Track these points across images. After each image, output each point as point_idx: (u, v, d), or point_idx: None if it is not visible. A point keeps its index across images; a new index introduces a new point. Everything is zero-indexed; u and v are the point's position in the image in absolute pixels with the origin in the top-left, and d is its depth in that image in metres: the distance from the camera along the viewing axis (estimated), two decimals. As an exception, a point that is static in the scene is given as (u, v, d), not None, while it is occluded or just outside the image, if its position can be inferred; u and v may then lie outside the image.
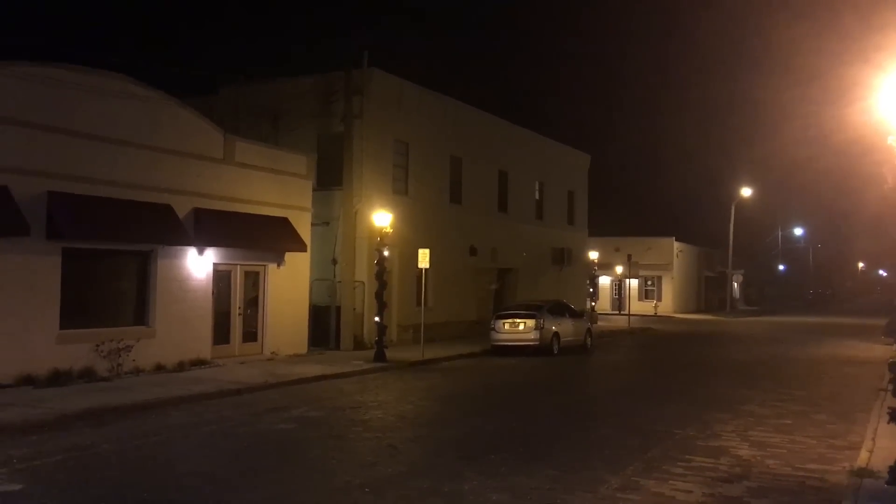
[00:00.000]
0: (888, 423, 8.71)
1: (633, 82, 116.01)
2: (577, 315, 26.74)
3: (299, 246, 20.97)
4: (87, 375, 15.41)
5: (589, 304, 37.68)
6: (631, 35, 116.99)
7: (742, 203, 56.50)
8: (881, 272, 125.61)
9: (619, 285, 54.81)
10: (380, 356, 20.07)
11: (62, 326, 15.40)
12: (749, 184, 56.46)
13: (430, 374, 19.13)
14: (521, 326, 23.78)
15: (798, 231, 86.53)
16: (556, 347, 24.02)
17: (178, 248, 17.82)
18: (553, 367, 21.24)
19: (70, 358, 15.30)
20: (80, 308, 15.86)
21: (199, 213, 18.28)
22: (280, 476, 8.75)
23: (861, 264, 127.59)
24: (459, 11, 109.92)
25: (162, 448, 10.36)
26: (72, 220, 15.26)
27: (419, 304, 23.39)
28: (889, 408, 8.30)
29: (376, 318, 20.74)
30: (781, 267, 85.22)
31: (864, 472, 8.62)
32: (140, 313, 17.32)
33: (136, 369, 16.47)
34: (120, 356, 16.12)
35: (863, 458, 9.42)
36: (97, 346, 15.81)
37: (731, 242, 55.83)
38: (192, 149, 18.38)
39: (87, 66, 16.43)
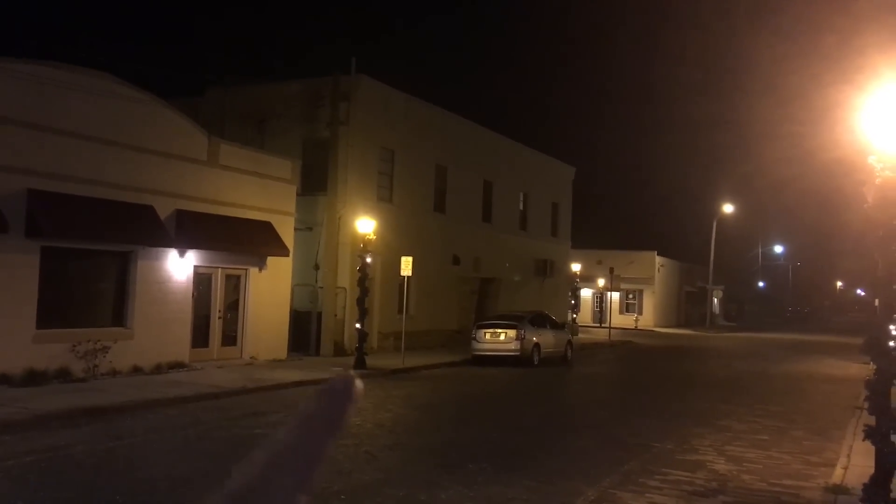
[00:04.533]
0: (863, 440, 8.76)
1: (618, 99, 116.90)
2: (558, 326, 26.77)
3: (282, 250, 20.89)
4: (63, 376, 15.24)
5: (570, 315, 37.78)
6: (617, 53, 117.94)
7: (724, 220, 56.85)
8: (859, 291, 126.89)
9: (600, 298, 54.93)
10: (360, 363, 20.00)
11: (39, 326, 15.22)
12: (731, 201, 56.80)
13: (410, 382, 19.07)
14: (503, 336, 23.77)
15: (778, 249, 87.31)
16: (536, 358, 24.02)
17: (159, 249, 17.70)
18: (533, 378, 21.24)
19: (46, 358, 15.12)
20: (57, 308, 15.70)
21: (181, 215, 18.16)
22: (255, 481, 8.67)
23: (839, 283, 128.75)
24: (449, 24, 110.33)
25: (136, 451, 10.26)
26: (52, 218, 15.11)
27: (401, 311, 23.33)
28: (865, 425, 8.34)
29: (357, 325, 20.67)
30: (761, 284, 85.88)
31: (838, 489, 8.68)
32: (118, 314, 17.17)
33: (112, 371, 16.30)
34: (97, 357, 15.95)
35: (838, 474, 9.49)
36: (74, 346, 15.63)
37: (712, 258, 56.16)
38: (176, 150, 18.28)
39: (73, 64, 16.32)
